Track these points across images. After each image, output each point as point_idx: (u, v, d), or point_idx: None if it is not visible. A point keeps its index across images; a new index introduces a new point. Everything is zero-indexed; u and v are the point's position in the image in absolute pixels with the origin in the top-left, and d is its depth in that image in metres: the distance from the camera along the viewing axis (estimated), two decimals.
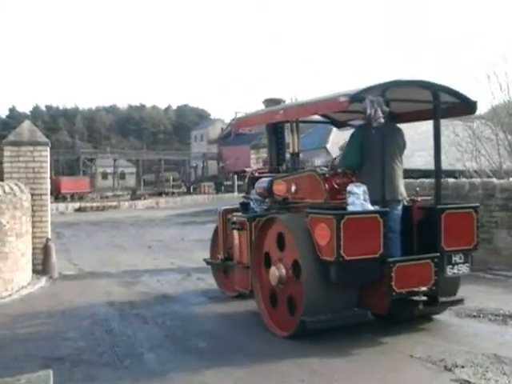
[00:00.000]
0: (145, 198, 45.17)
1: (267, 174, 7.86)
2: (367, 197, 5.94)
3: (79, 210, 35.98)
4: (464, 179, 11.76)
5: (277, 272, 6.28)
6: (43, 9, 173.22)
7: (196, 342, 6.07)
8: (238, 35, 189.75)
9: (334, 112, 7.40)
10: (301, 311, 5.92)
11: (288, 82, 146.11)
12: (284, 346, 5.87)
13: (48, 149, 10.58)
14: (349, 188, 6.03)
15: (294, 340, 5.96)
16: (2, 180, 9.96)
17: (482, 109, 19.34)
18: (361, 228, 5.72)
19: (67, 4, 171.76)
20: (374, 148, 6.15)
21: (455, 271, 6.25)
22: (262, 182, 7.52)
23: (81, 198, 45.84)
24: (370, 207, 5.92)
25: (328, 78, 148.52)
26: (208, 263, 8.81)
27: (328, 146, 25.44)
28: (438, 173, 6.62)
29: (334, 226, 5.60)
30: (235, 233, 7.36)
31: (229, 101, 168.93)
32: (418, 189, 6.71)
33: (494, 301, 7.55)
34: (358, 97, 5.86)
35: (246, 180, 8.29)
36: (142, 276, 10.43)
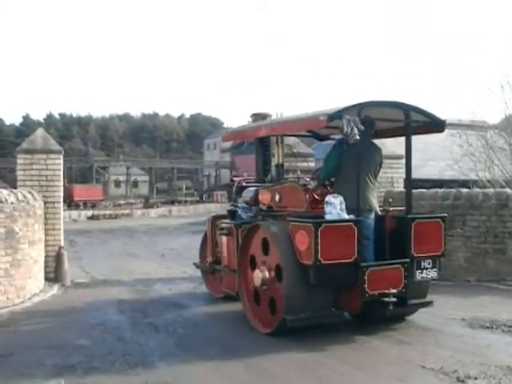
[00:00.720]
0: (157, 207, 45.22)
1: (253, 184, 8.29)
2: (344, 207, 6.40)
3: (92, 217, 36.09)
4: (477, 189, 11.69)
5: (260, 274, 6.68)
6: (59, 17, 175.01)
7: (206, 349, 6.08)
8: (247, 45, 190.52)
9: (315, 129, 8.04)
10: (282, 310, 6.31)
11: (292, 86, 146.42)
12: (286, 348, 5.87)
13: (61, 157, 10.62)
14: (326, 199, 6.50)
15: (295, 341, 6.16)
16: (15, 187, 10.04)
17: (495, 118, 19.24)
18: (337, 235, 6.17)
19: (83, 13, 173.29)
20: (349, 161, 6.60)
21: (424, 275, 6.69)
22: (249, 192, 8.00)
23: (93, 205, 45.98)
24: (346, 216, 6.36)
25: (328, 78, 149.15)
26: (197, 267, 9.33)
27: None
28: (408, 184, 7.09)
29: (312, 233, 6.05)
30: (223, 238, 7.89)
31: (242, 109, 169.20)
32: (390, 200, 7.07)
33: (507, 312, 7.49)
34: (335, 116, 6.31)
35: (234, 189, 8.58)
36: (155, 284, 10.46)
